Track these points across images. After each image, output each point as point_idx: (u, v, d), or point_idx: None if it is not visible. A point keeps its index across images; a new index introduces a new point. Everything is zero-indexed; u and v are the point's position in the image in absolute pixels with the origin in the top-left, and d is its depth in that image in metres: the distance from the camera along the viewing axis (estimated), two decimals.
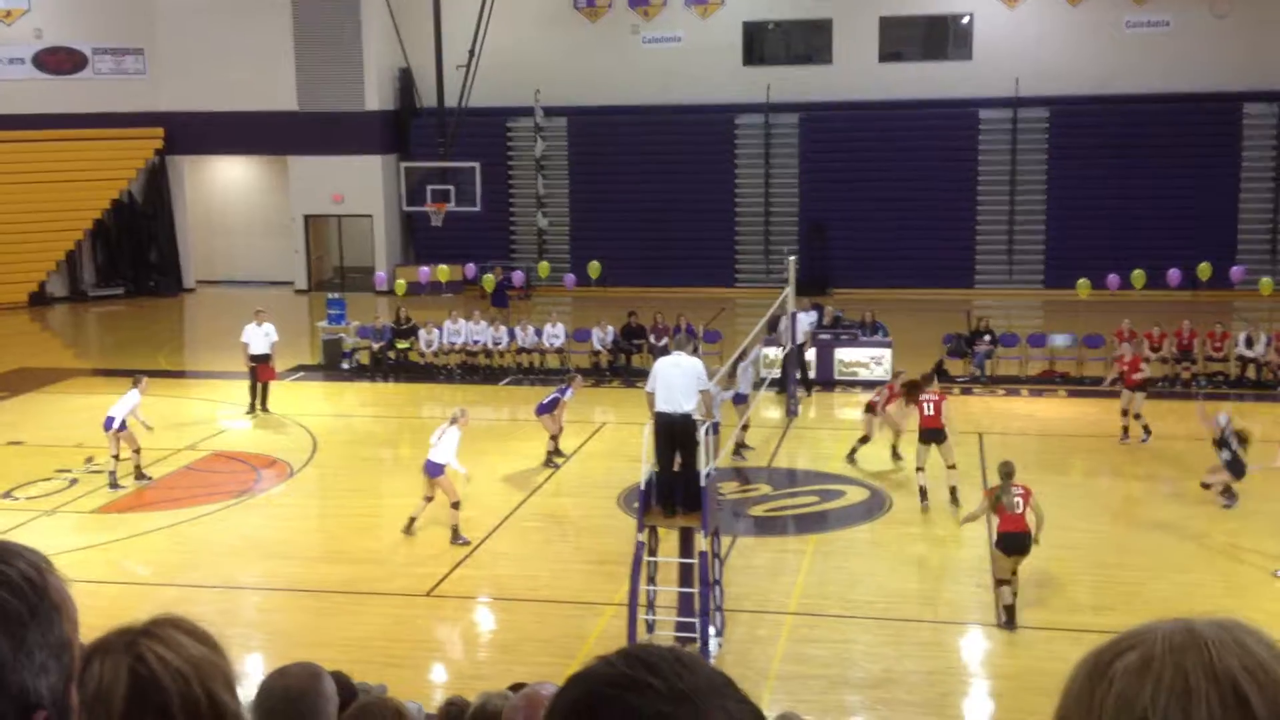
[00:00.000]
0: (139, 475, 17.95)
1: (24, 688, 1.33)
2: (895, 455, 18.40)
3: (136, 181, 36.47)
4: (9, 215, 33.84)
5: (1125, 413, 19.69)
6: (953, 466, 16.59)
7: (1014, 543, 12.69)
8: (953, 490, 16.38)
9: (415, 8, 31.62)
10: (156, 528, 16.18)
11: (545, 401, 18.90)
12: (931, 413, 16.52)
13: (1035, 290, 33.17)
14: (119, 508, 16.99)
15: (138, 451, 17.90)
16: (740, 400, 18.71)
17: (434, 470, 15.43)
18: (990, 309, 27.49)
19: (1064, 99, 33.15)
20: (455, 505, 15.40)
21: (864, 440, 18.43)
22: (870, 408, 18.55)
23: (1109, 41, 33.19)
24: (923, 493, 16.45)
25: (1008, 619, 12.68)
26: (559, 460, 18.82)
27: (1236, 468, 16.05)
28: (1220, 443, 16.18)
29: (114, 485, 17.60)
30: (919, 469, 16.66)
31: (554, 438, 18.86)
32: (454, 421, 15.71)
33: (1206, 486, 16.47)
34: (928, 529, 15.92)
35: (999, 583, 12.84)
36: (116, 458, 17.73)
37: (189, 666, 1.58)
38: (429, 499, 15.59)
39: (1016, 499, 12.74)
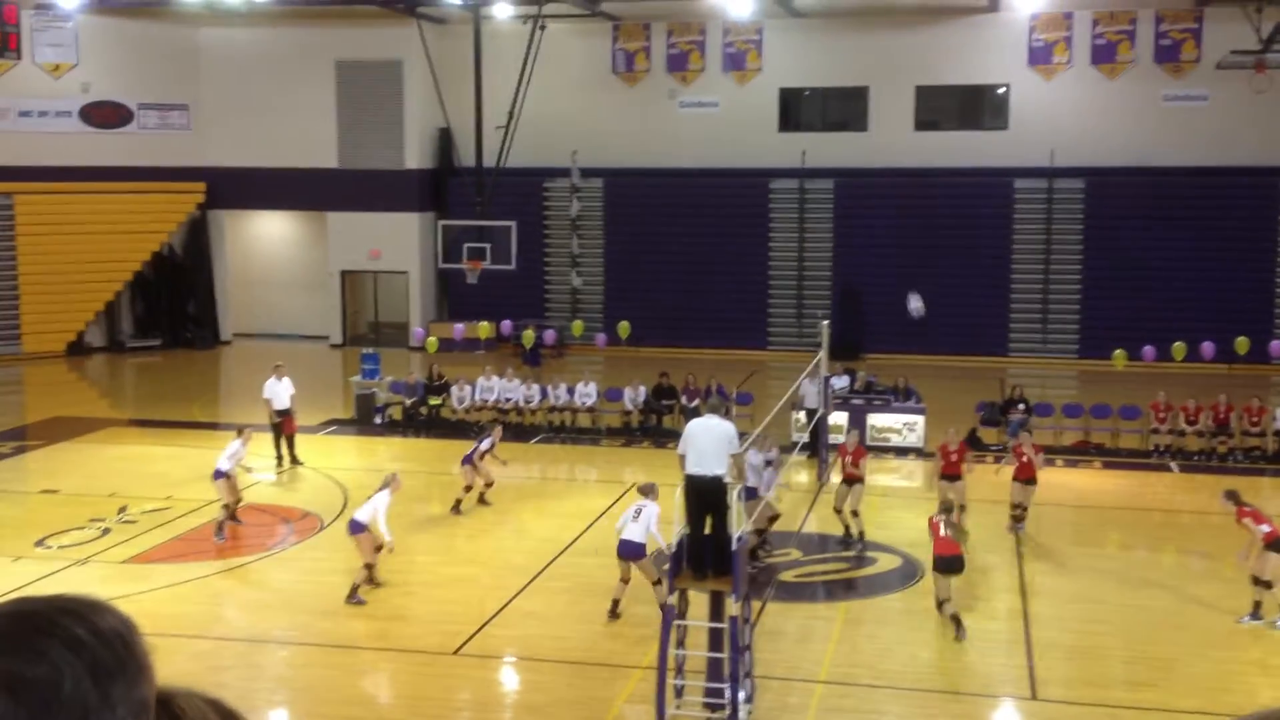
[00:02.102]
0: (223, 524, 17.89)
1: None
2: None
3: (177, 234, 36.97)
4: (51, 265, 34.34)
5: (1017, 505, 18.39)
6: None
7: (948, 564, 14.36)
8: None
9: (457, 69, 32.05)
10: (187, 579, 16.21)
11: (468, 453, 19.58)
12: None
13: (1069, 360, 33.03)
14: (151, 558, 17.04)
15: (237, 503, 18.11)
16: (751, 495, 16.48)
17: (354, 528, 15.57)
18: (1024, 377, 27.35)
19: (1100, 170, 33.20)
20: (367, 567, 15.46)
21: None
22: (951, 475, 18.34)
23: (1147, 114, 33.25)
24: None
25: (958, 628, 14.12)
26: (463, 508, 19.35)
27: None
28: None
29: (219, 534, 17.73)
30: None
31: (468, 488, 19.47)
32: (386, 485, 15.91)
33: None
34: (960, 599, 15.74)
35: (940, 603, 14.35)
36: (227, 507, 17.87)
37: (209, 706, 1.61)
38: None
39: (950, 528, 14.56)
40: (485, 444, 19.71)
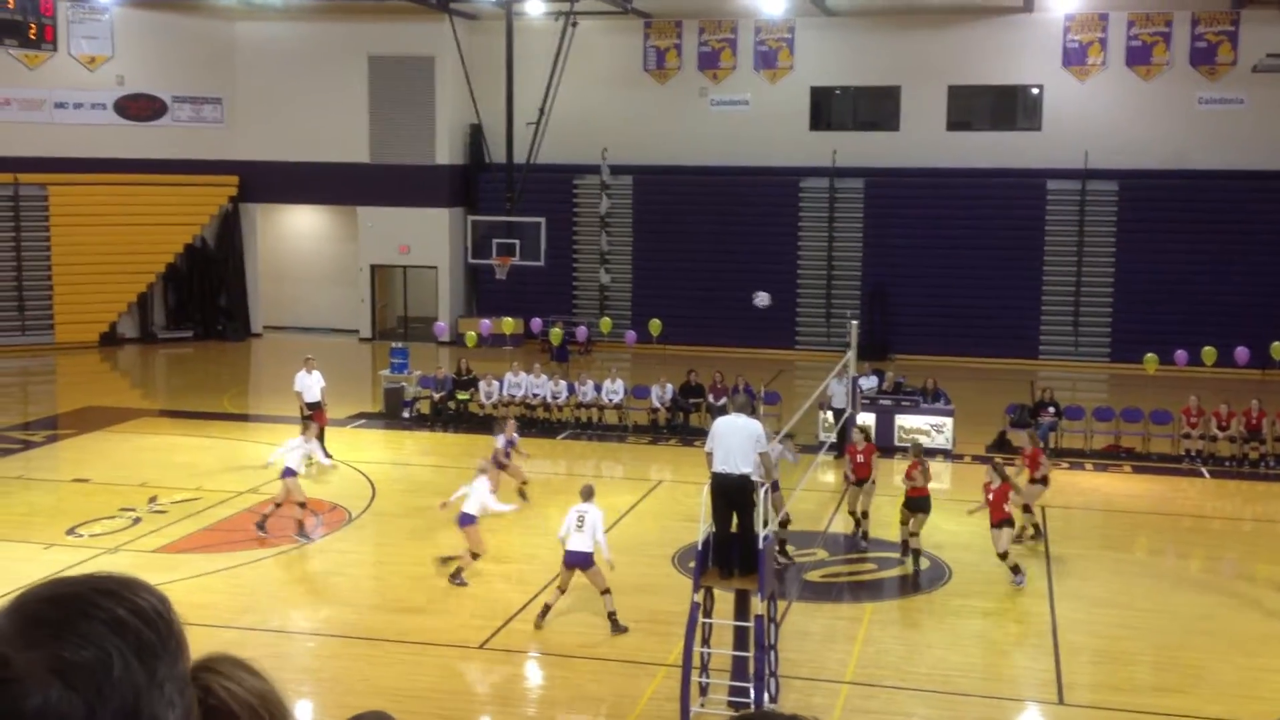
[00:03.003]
0: (303, 522, 17.69)
1: (154, 716, 1.35)
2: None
3: (210, 227, 37.19)
4: (85, 256, 34.61)
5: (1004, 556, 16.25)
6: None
7: (918, 504, 16.76)
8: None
9: (488, 65, 32.12)
10: (216, 569, 16.31)
11: (493, 457, 19.02)
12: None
13: (1101, 363, 32.82)
14: (180, 548, 17.16)
15: (299, 505, 17.64)
16: (775, 489, 16.56)
17: (464, 520, 15.62)
18: (1054, 380, 27.20)
19: (1134, 172, 32.96)
20: (473, 555, 15.68)
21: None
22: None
23: (1181, 117, 32.99)
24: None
25: (903, 552, 16.74)
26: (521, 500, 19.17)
27: None
28: None
29: (301, 534, 17.52)
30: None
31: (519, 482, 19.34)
32: (482, 472, 16.03)
33: None
34: (988, 602, 15.68)
35: (910, 534, 16.76)
36: (303, 505, 17.65)
37: (254, 696, 1.60)
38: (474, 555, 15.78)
39: (919, 474, 16.78)
40: (501, 442, 19.44)
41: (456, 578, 15.65)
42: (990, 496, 16.05)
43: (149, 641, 1.37)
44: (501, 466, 19.15)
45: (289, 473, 17.63)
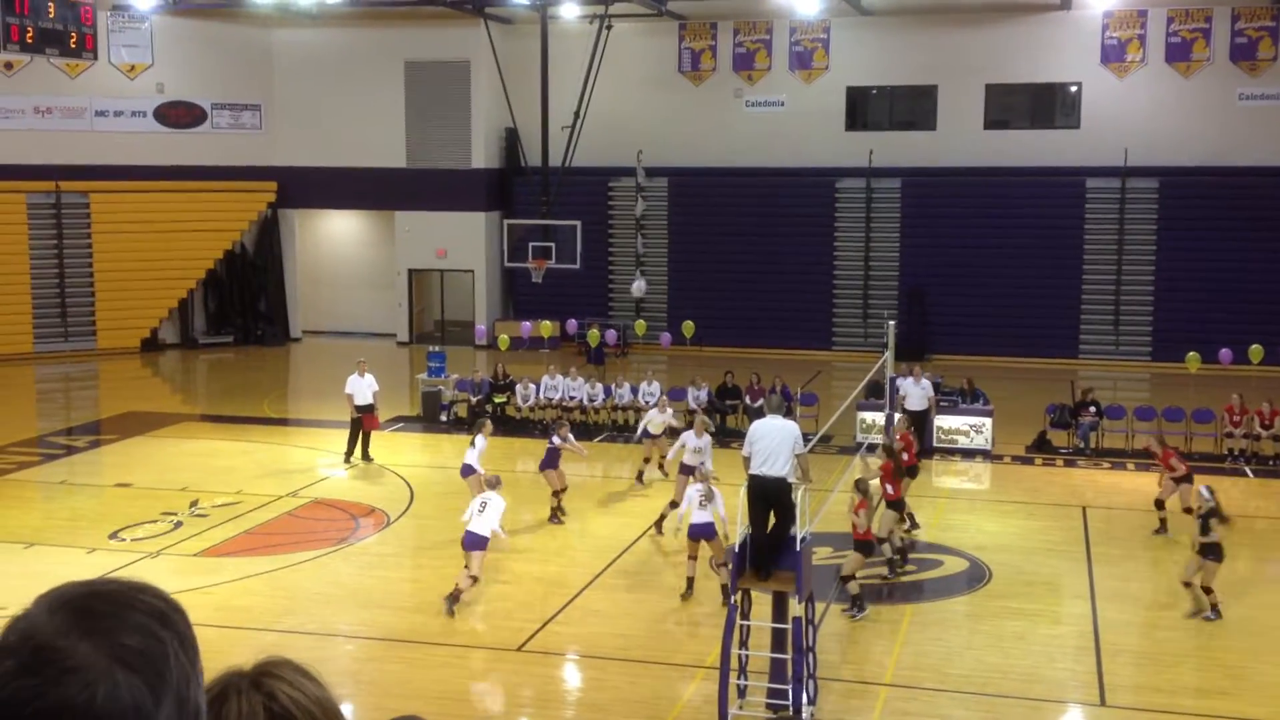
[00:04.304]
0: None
1: (198, 705, 1.39)
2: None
3: (249, 233, 37.49)
4: (126, 263, 34.97)
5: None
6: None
7: (910, 472, 17.78)
8: None
9: (523, 69, 32.20)
10: (257, 572, 16.43)
11: (545, 457, 19.01)
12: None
13: (1142, 362, 32.53)
14: (221, 551, 17.31)
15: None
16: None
17: (475, 543, 15.00)
18: (1095, 380, 26.96)
19: (1174, 169, 32.65)
20: (473, 580, 15.02)
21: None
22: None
23: (1221, 114, 32.64)
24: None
25: (911, 524, 17.78)
26: (563, 518, 18.83)
27: (1216, 551, 14.83)
28: (1204, 518, 14.89)
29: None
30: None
31: (556, 493, 18.93)
32: (494, 485, 15.60)
33: (1188, 585, 15.01)
34: (1027, 603, 15.57)
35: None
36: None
37: (315, 704, 1.63)
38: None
39: (903, 452, 17.46)
40: (557, 440, 19.27)
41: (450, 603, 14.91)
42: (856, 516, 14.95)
43: (185, 633, 1.42)
44: (550, 466, 18.95)
45: (469, 470, 17.87)
